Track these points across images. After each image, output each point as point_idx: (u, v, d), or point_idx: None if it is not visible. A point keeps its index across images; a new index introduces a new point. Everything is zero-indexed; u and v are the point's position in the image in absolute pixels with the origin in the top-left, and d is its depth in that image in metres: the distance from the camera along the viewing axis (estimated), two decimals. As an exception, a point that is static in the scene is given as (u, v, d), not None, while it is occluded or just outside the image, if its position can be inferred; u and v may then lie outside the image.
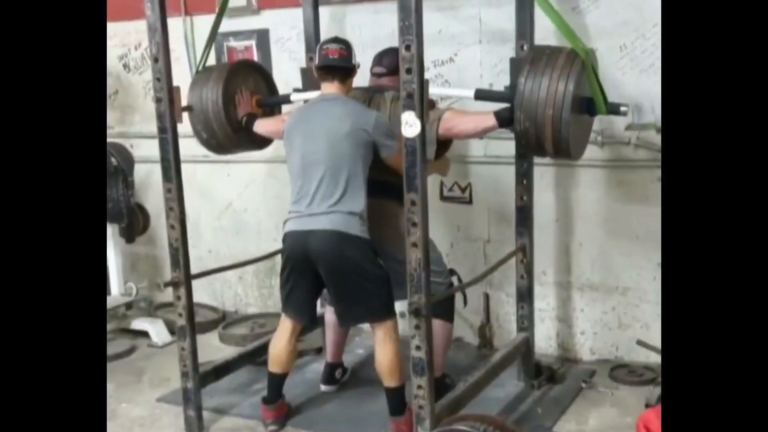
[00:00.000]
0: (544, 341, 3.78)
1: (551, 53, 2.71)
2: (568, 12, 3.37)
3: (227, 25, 4.15)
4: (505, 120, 2.78)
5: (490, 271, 3.36)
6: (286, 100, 3.53)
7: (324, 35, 3.79)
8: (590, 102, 2.78)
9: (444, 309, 3.20)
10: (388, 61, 3.15)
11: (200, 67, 3.47)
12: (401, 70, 2.50)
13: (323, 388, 3.52)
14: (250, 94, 3.44)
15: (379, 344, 2.99)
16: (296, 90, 3.76)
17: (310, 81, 3.71)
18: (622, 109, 2.81)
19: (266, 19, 4.18)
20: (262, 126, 3.35)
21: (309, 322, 3.21)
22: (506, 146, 3.48)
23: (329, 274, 2.95)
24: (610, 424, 3.13)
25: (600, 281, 3.66)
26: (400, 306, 2.99)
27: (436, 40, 3.56)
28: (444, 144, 3.07)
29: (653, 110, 3.35)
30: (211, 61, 4.32)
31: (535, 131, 2.70)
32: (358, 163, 2.92)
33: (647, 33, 3.30)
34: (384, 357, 2.97)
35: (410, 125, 2.53)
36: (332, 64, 2.99)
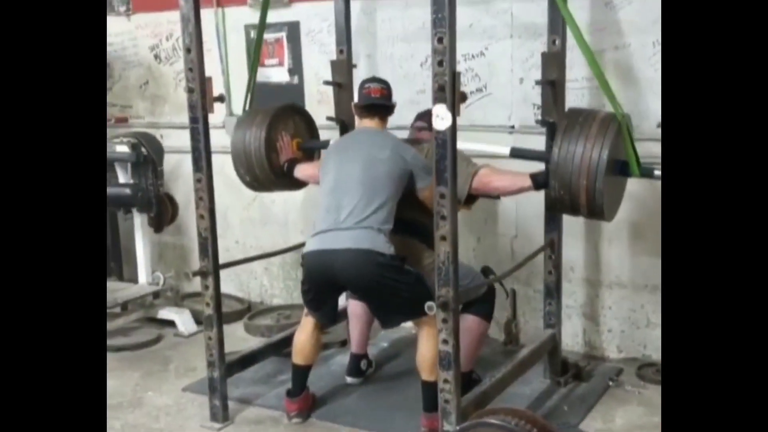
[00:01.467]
0: (571, 338, 3.76)
1: (585, 120, 2.71)
2: (601, 7, 3.36)
3: (258, 17, 4.17)
4: (540, 184, 2.84)
5: (519, 267, 3.34)
6: (326, 144, 3.56)
7: (355, 28, 3.80)
8: (624, 164, 2.80)
9: (484, 307, 3.21)
10: (429, 117, 3.16)
11: (246, 106, 3.56)
12: (433, 63, 2.49)
13: (348, 380, 3.53)
14: (290, 137, 3.52)
15: (423, 338, 2.97)
16: (326, 83, 3.77)
17: (339, 74, 3.72)
18: (656, 173, 2.82)
19: (297, 12, 4.19)
20: (302, 171, 3.45)
21: (330, 323, 3.27)
22: (534, 141, 3.45)
23: (361, 292, 3.01)
24: (637, 423, 3.10)
25: (629, 279, 3.63)
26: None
27: (467, 34, 3.55)
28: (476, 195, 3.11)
29: (686, 107, 3.30)
30: (241, 51, 4.37)
31: (569, 199, 2.73)
32: (392, 189, 2.94)
33: (682, 29, 3.25)
34: (427, 351, 2.93)
35: (441, 118, 2.52)
36: (376, 102, 3.10)
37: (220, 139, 4.30)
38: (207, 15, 4.23)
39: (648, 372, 3.49)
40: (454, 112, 2.52)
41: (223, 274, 3.28)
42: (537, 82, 3.13)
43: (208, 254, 3.13)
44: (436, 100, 2.51)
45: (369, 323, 3.51)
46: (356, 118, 3.23)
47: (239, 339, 4.06)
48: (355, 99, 3.18)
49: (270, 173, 3.48)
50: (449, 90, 2.49)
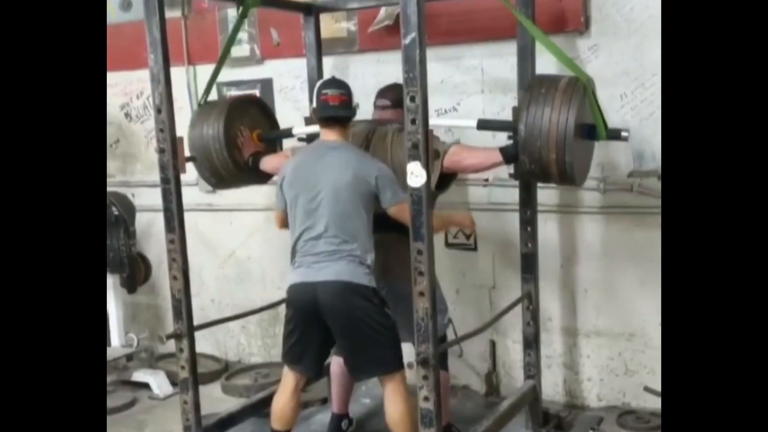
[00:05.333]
0: (551, 388, 3.75)
1: (547, 90, 2.71)
2: (568, 61, 3.43)
3: (231, 74, 4.21)
4: (510, 157, 2.82)
5: (497, 319, 3.34)
6: (288, 133, 3.53)
7: (327, 85, 3.83)
8: (591, 128, 2.81)
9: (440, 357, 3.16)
10: (391, 94, 3.18)
11: (202, 101, 3.49)
12: (406, 120, 2.51)
13: (328, 440, 3.46)
14: (250, 131, 3.46)
15: (389, 398, 2.92)
16: (300, 139, 3.79)
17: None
18: (623, 134, 2.83)
19: (270, 69, 4.23)
20: (268, 164, 3.36)
21: (315, 374, 3.14)
22: (510, 193, 3.50)
23: (340, 328, 2.90)
24: (620, 474, 3.09)
25: (606, 327, 3.64)
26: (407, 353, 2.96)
27: (439, 90, 3.60)
28: (449, 177, 3.09)
29: (654, 158, 3.37)
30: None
31: (540, 171, 2.75)
32: (361, 213, 2.88)
33: (647, 83, 3.34)
34: (395, 411, 2.90)
35: (416, 175, 2.53)
36: (334, 114, 2.96)
37: (194, 196, 4.30)
38: (178, 73, 4.24)
39: (628, 420, 3.49)
40: (428, 169, 2.54)
41: (199, 333, 3.22)
42: (509, 137, 3.16)
43: (182, 316, 3.08)
44: (410, 157, 2.53)
45: (351, 383, 3.45)
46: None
47: (216, 400, 3.97)
48: (314, 104, 3.01)
49: (235, 171, 3.39)
50: (423, 148, 2.51)
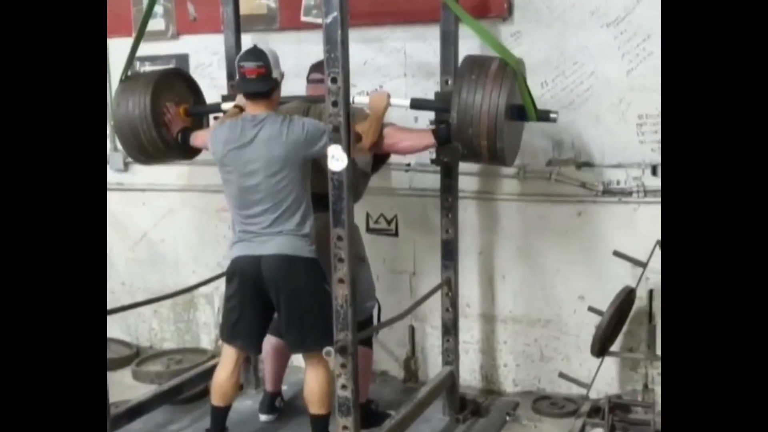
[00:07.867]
0: (469, 373, 3.78)
1: (478, 76, 2.71)
2: (490, 49, 3.42)
3: (144, 49, 4.00)
4: (443, 139, 2.86)
5: (416, 305, 3.34)
6: (216, 108, 3.42)
7: (246, 63, 3.71)
8: (521, 109, 2.84)
9: (365, 334, 3.15)
10: None
11: (123, 77, 3.37)
12: (327, 102, 2.47)
13: (263, 417, 3.44)
14: (176, 106, 3.35)
15: (312, 369, 2.93)
16: (215, 118, 3.67)
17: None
18: (552, 115, 2.87)
19: (185, 45, 4.08)
20: (199, 139, 3.30)
21: (255, 351, 3.16)
22: (431, 179, 3.49)
23: (282, 300, 2.88)
24: (534, 458, 3.14)
25: (522, 314, 3.69)
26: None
27: (361, 72, 3.55)
28: (382, 158, 3.10)
29: (573, 146, 3.42)
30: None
31: (473, 155, 2.80)
32: (297, 185, 2.85)
33: (567, 71, 3.38)
34: (315, 382, 2.92)
35: (337, 159, 2.49)
36: (252, 90, 2.88)
37: (104, 176, 4.12)
38: (90, 46, 4.06)
39: (543, 405, 3.54)
40: (350, 152, 2.50)
41: (108, 317, 3.09)
42: (431, 122, 3.14)
43: (90, 301, 2.94)
44: (331, 140, 2.49)
45: (284, 361, 3.45)
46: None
47: (127, 387, 3.84)
48: (236, 76, 2.92)
49: (163, 148, 3.32)
50: (344, 130, 2.47)
